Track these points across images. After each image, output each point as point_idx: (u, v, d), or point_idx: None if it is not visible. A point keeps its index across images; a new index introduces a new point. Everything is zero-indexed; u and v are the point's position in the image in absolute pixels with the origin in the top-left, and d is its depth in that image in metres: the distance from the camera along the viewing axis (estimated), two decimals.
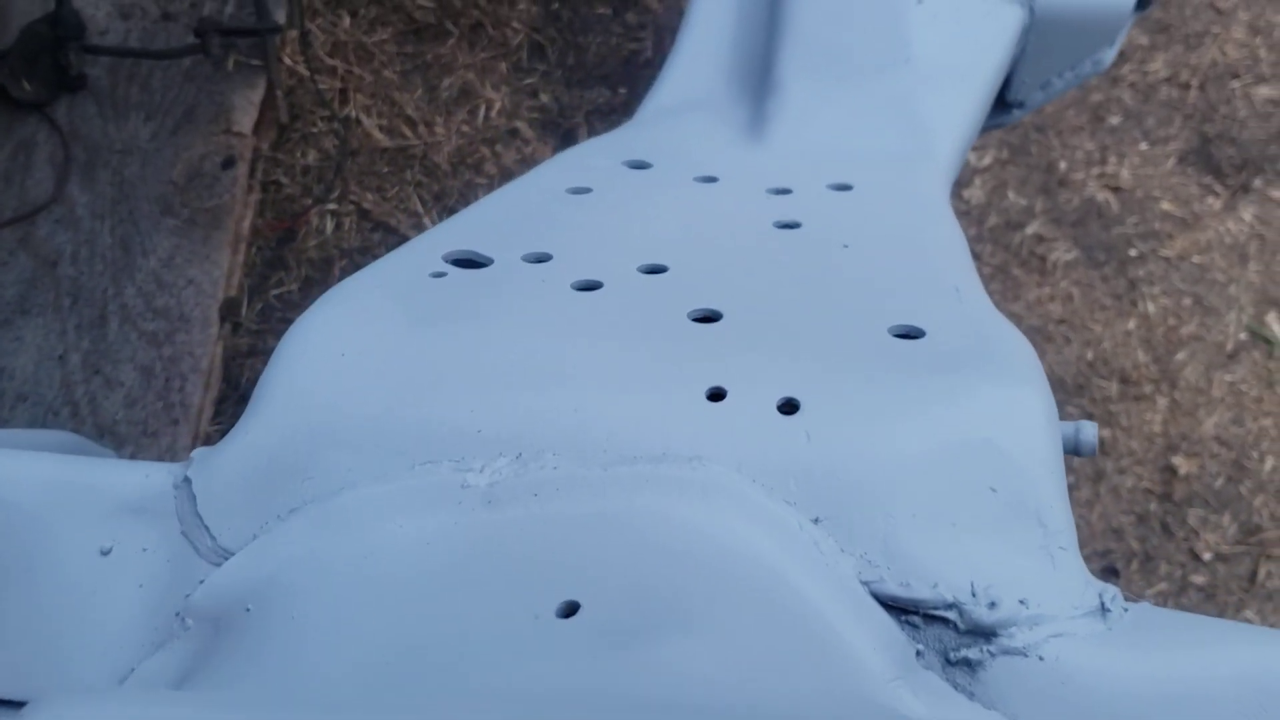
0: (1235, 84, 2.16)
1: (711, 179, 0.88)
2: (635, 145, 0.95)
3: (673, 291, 0.70)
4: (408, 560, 0.55)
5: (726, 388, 0.60)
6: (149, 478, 0.62)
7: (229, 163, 1.89)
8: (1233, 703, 0.50)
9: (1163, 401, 1.86)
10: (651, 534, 0.54)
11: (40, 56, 1.86)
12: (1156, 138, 2.10)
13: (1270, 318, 1.92)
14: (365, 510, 0.57)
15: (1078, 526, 0.60)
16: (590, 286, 0.70)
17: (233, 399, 1.78)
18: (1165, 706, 0.50)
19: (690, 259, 0.74)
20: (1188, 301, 1.94)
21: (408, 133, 2.05)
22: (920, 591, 0.53)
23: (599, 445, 0.58)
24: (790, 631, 0.51)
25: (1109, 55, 1.16)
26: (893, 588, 0.54)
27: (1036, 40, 1.10)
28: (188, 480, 0.61)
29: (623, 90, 2.11)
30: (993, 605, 0.52)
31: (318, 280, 1.92)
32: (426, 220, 1.97)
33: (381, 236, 1.96)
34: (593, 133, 2.06)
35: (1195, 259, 1.99)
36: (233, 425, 0.62)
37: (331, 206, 1.98)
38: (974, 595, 0.53)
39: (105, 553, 0.60)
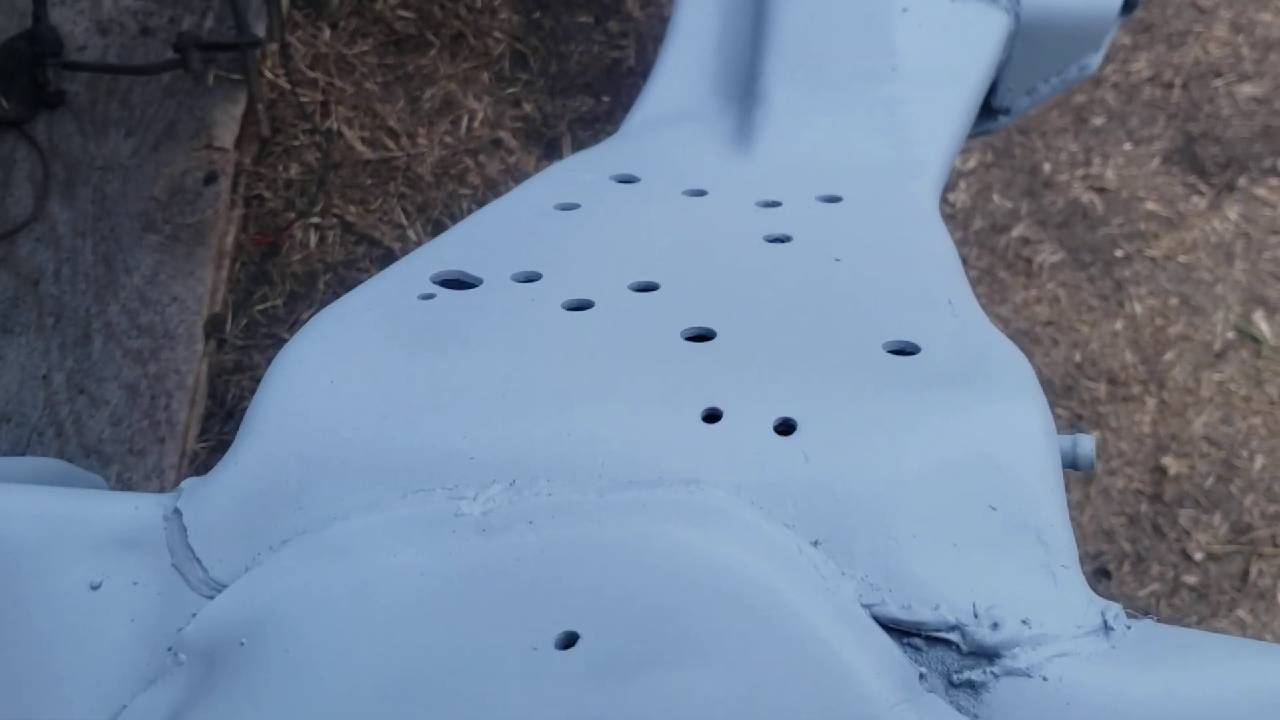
0: (1218, 82, 2.16)
1: (700, 192, 0.87)
2: (622, 159, 0.94)
3: (665, 310, 0.69)
4: (403, 591, 0.54)
5: (722, 409, 0.59)
6: (139, 509, 0.61)
7: (211, 178, 1.88)
8: None
9: (1151, 402, 1.86)
10: (649, 560, 0.54)
11: (18, 73, 1.85)
12: (1140, 138, 2.11)
13: (1257, 316, 1.93)
14: (358, 540, 0.56)
15: None
16: (581, 306, 0.69)
17: (219, 415, 1.76)
18: None
19: (681, 276, 0.73)
20: (1175, 301, 1.95)
21: (390, 144, 2.04)
22: (922, 614, 0.53)
23: (594, 470, 0.57)
24: (792, 658, 0.50)
25: (1095, 60, 1.16)
26: (894, 610, 0.53)
27: (1022, 46, 1.10)
28: (178, 512, 0.60)
29: (606, 98, 2.10)
30: (995, 626, 0.52)
31: (302, 295, 1.91)
32: (410, 232, 1.96)
33: (365, 249, 1.95)
34: (576, 141, 2.06)
35: (1181, 258, 1.99)
36: (219, 442, 0.61)
37: (315, 220, 1.97)
38: (976, 616, 0.52)
39: (95, 587, 0.59)
